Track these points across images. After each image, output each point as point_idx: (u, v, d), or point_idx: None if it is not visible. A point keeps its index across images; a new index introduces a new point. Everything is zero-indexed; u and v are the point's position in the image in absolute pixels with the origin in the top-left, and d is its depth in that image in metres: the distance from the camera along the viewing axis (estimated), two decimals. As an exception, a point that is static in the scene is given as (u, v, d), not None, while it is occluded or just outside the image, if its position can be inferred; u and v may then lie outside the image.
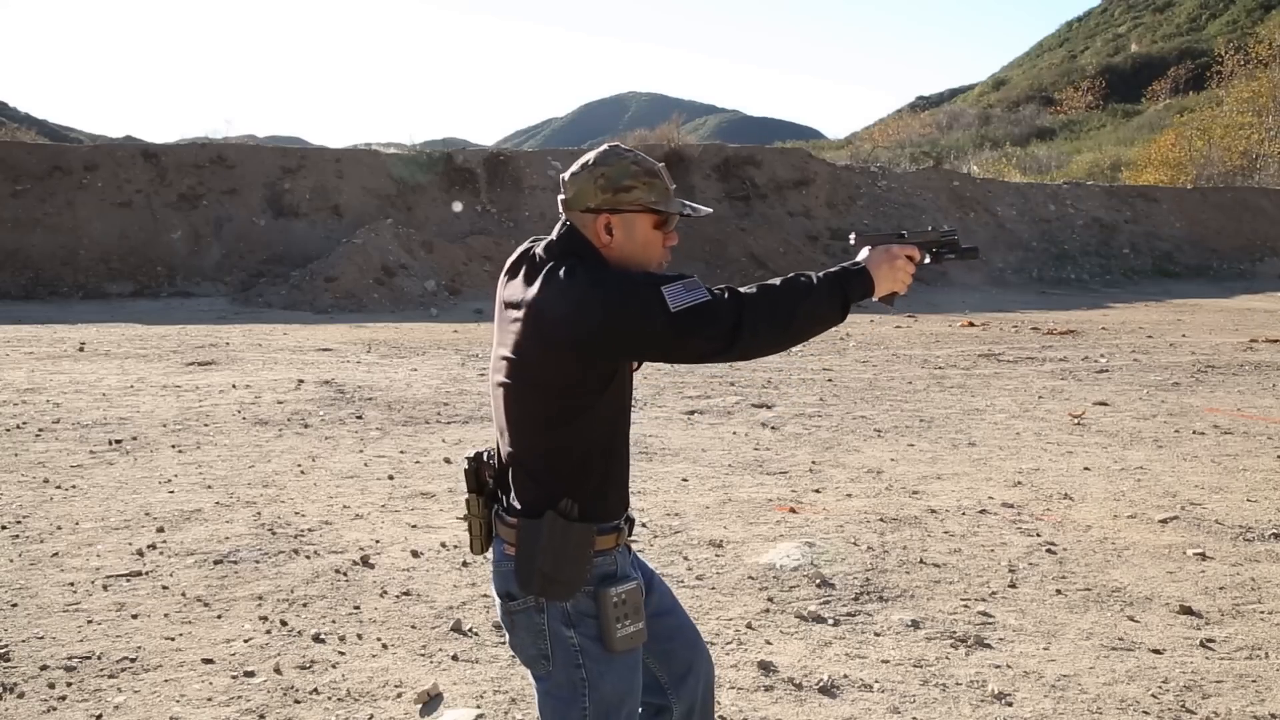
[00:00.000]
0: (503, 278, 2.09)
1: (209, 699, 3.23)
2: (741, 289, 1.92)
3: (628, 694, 2.01)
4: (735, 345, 1.88)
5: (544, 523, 1.93)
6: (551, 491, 1.96)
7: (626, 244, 1.98)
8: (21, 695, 3.22)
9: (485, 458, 2.10)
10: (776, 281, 1.95)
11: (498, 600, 2.05)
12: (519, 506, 1.99)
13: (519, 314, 1.95)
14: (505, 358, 1.98)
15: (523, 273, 2.01)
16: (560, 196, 2.02)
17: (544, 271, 1.94)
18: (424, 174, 20.76)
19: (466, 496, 2.08)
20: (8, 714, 3.11)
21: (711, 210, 2.13)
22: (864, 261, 2.06)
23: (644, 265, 2.00)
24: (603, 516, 1.99)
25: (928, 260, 2.12)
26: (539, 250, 2.02)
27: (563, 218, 2.03)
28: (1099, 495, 5.75)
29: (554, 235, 2.03)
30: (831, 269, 2.01)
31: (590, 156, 2.01)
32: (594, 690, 1.96)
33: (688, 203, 2.04)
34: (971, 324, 15.14)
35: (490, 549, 2.07)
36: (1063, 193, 26.56)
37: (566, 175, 2.02)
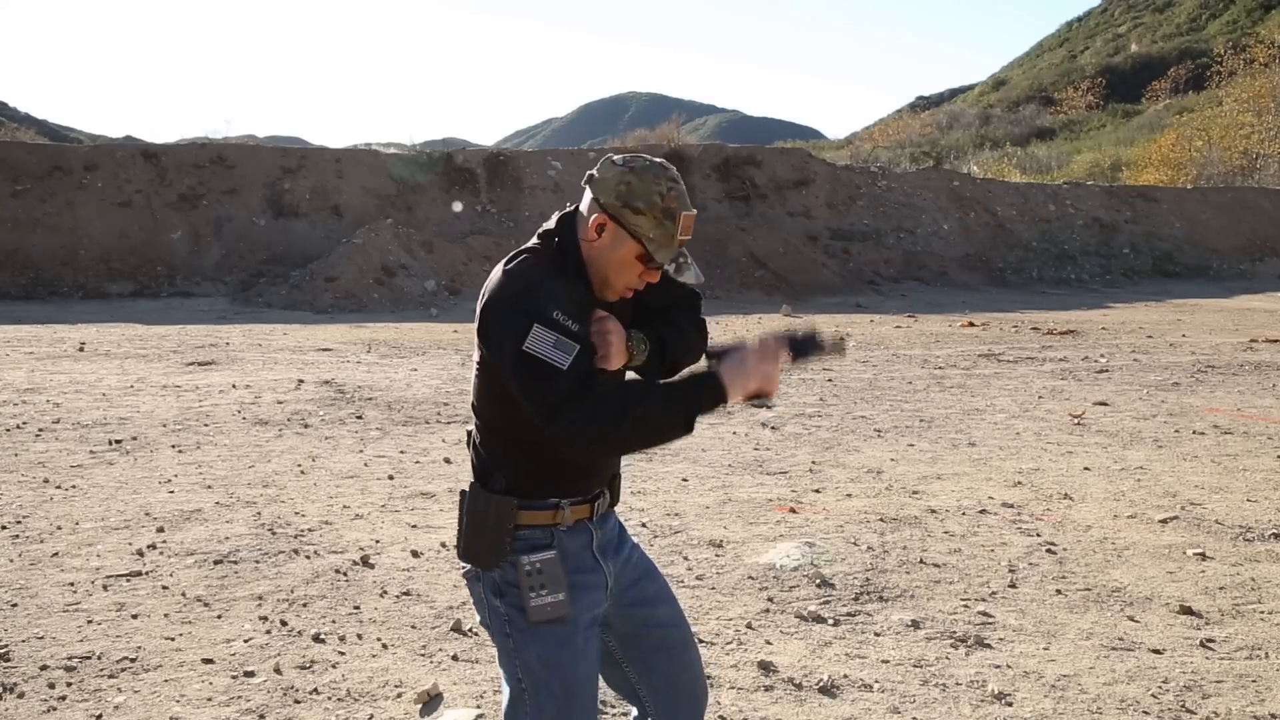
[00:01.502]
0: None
1: (209, 699, 3.23)
2: (611, 385, 1.91)
3: (555, 669, 2.00)
4: (555, 419, 1.85)
5: (470, 493, 2.04)
6: (488, 465, 2.04)
7: (606, 252, 1.98)
8: (21, 695, 3.22)
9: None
10: (636, 381, 1.97)
11: None
12: (469, 480, 2.08)
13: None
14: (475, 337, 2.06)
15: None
16: (591, 171, 2.02)
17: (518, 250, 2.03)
18: (424, 174, 20.77)
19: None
20: (8, 714, 3.11)
21: (700, 280, 2.07)
22: (721, 366, 1.99)
23: (608, 280, 2.01)
24: (531, 493, 2.01)
25: (791, 362, 2.04)
26: (540, 229, 2.07)
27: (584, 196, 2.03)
28: (1099, 495, 5.75)
29: (556, 216, 2.05)
30: (686, 377, 1.97)
31: (636, 161, 1.99)
32: (522, 658, 2.01)
33: (681, 262, 2.01)
34: (971, 324, 15.14)
35: None
36: (1063, 193, 26.56)
37: (613, 158, 2.01)
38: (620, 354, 2.01)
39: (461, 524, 2.05)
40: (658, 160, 2.00)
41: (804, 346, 2.05)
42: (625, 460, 6.00)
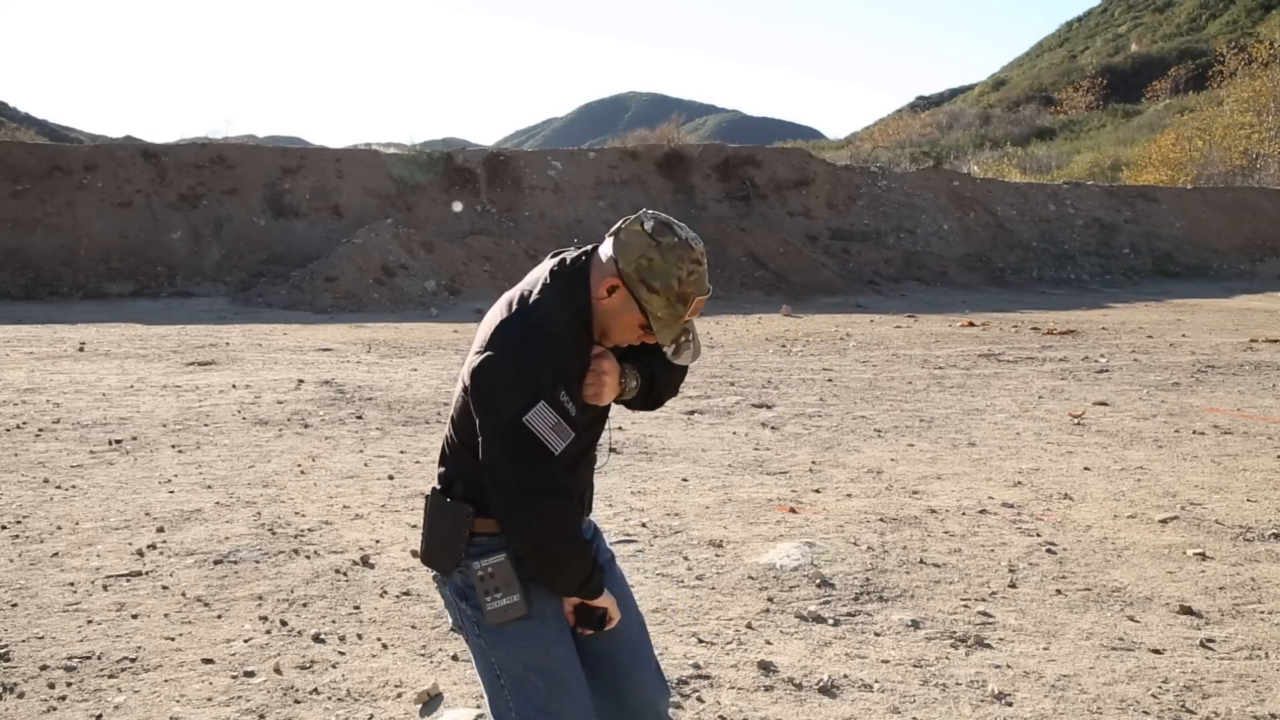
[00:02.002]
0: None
1: (209, 699, 3.23)
2: (569, 511, 1.96)
3: (530, 665, 2.03)
4: (521, 499, 1.90)
5: (430, 499, 2.08)
6: (453, 473, 2.07)
7: (612, 313, 1.99)
8: (21, 695, 3.22)
9: None
10: (573, 538, 1.99)
11: None
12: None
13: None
14: (472, 354, 2.05)
15: (537, 270, 2.07)
16: (619, 224, 2.00)
17: (535, 287, 2.00)
18: (424, 174, 20.76)
19: None
20: (8, 714, 3.11)
21: (698, 358, 2.10)
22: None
23: (608, 333, 2.02)
24: (490, 509, 2.02)
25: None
26: (553, 264, 2.04)
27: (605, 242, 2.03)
28: (1099, 495, 5.75)
29: (571, 257, 2.03)
30: (594, 574, 2.04)
31: (665, 235, 1.95)
32: (495, 657, 2.05)
33: (683, 342, 2.02)
34: (971, 324, 15.14)
35: None
36: (1063, 193, 26.56)
37: (643, 217, 1.98)
38: (612, 391, 2.04)
39: (422, 528, 2.11)
40: (686, 238, 1.97)
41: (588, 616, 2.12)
42: (625, 461, 6.00)
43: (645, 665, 2.21)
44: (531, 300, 1.98)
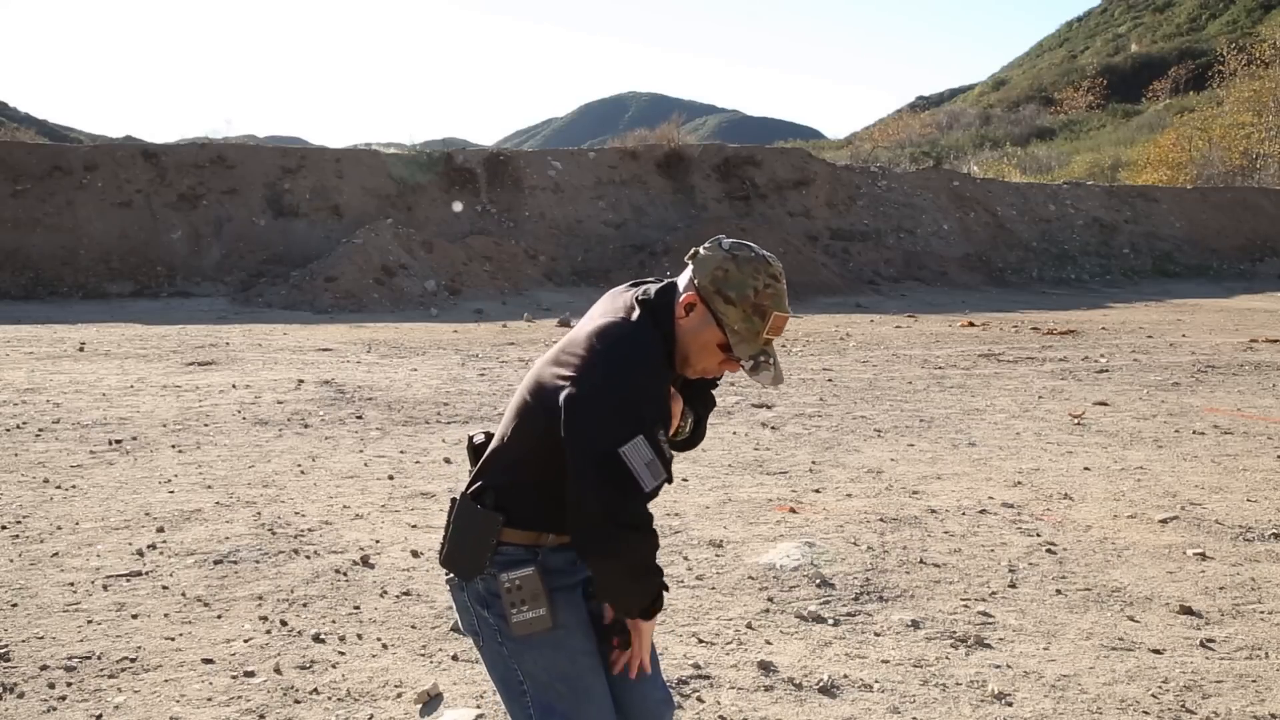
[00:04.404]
0: (601, 304, 2.11)
1: (209, 699, 3.23)
2: (650, 543, 1.94)
3: (557, 674, 2.02)
4: (596, 534, 1.88)
5: (459, 503, 2.05)
6: (484, 484, 2.04)
7: (691, 333, 1.98)
8: (21, 695, 3.22)
9: (489, 438, 2.17)
10: (650, 570, 1.97)
11: None
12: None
13: (573, 331, 2.02)
14: (547, 365, 2.01)
15: (616, 297, 2.05)
16: (697, 248, 2.02)
17: (623, 315, 1.97)
18: (424, 174, 20.76)
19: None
20: (8, 714, 3.11)
21: (780, 383, 2.07)
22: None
23: (689, 359, 2.00)
24: (519, 521, 2.01)
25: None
26: (637, 294, 2.03)
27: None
28: (1099, 495, 5.75)
29: (655, 289, 2.03)
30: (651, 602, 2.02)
31: (742, 250, 1.97)
32: (521, 665, 2.03)
33: (761, 361, 1.97)
34: (971, 324, 15.14)
35: None
36: (1063, 193, 26.56)
37: (722, 241, 2.00)
38: (669, 430, 2.02)
39: (447, 531, 2.07)
40: (764, 254, 1.98)
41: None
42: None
43: (656, 675, 2.21)
44: (628, 330, 1.94)
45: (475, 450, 2.15)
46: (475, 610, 2.05)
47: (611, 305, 2.04)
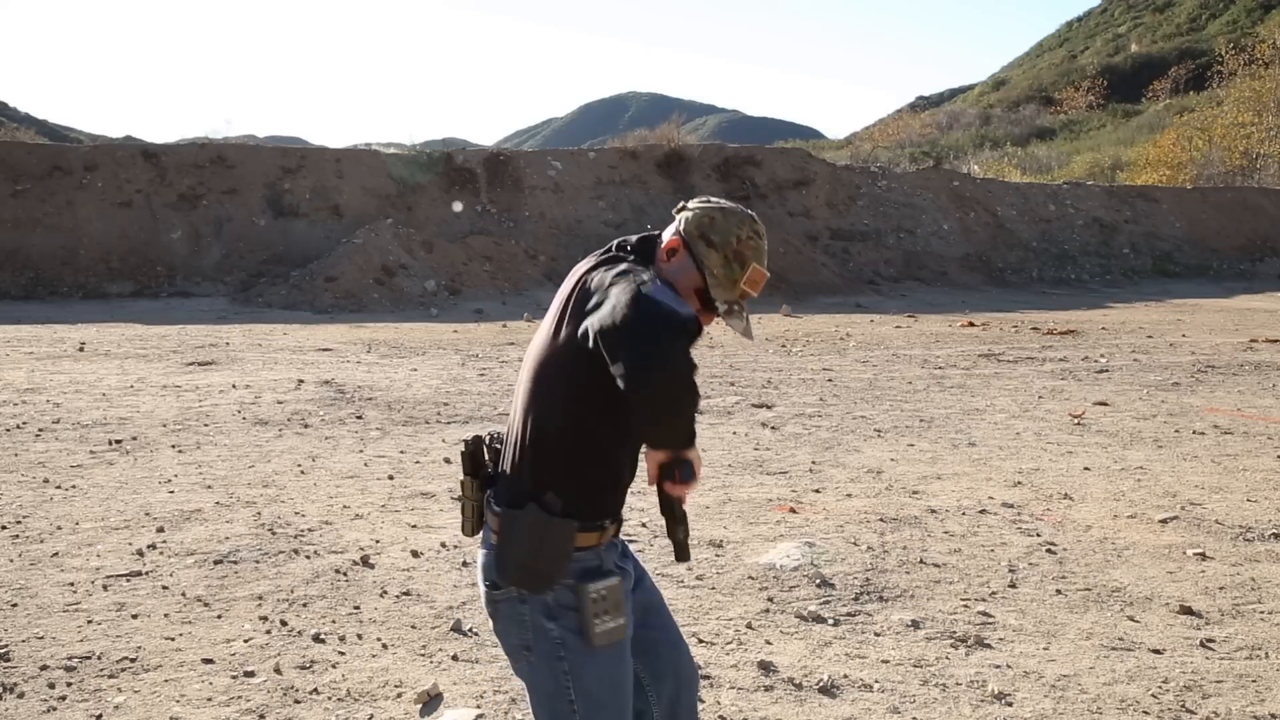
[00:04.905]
0: (580, 266, 2.09)
1: (209, 699, 3.23)
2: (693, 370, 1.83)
3: (614, 688, 2.01)
4: (648, 363, 1.74)
5: (526, 514, 1.95)
6: (540, 483, 1.97)
7: (670, 276, 2.01)
8: (21, 695, 3.22)
9: (487, 441, 2.12)
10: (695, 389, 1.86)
11: (482, 587, 2.06)
12: (507, 496, 2.01)
13: (572, 295, 1.98)
14: (546, 338, 2.01)
15: (597, 264, 2.04)
16: (684, 202, 2.10)
17: (612, 264, 1.99)
18: (424, 174, 20.76)
19: (462, 478, 2.10)
20: (8, 714, 3.11)
21: (750, 337, 2.10)
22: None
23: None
24: (587, 515, 1.99)
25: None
26: (618, 241, 2.12)
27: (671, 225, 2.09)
28: (1099, 495, 5.75)
29: (636, 237, 2.12)
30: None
31: (730, 204, 2.06)
32: (578, 682, 1.97)
33: (735, 310, 2.00)
34: (971, 324, 15.14)
35: (480, 533, 2.10)
36: (1063, 193, 26.56)
37: (710, 197, 2.09)
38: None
39: (510, 545, 1.96)
40: (751, 213, 2.06)
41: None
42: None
43: (685, 647, 2.25)
44: (626, 265, 1.95)
45: (474, 455, 2.08)
46: (536, 623, 1.97)
47: (594, 263, 2.05)
